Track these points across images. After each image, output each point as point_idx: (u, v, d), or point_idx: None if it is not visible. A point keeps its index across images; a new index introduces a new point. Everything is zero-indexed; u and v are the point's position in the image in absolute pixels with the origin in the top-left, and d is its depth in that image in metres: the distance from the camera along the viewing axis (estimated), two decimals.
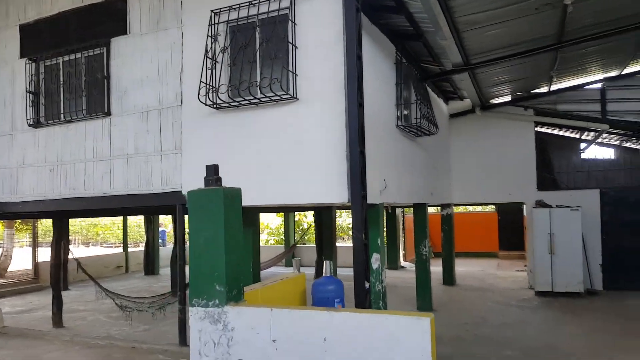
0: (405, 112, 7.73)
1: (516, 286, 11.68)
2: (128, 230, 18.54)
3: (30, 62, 7.81)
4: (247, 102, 5.94)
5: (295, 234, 18.18)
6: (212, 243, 3.48)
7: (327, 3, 5.63)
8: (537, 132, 11.77)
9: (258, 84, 5.86)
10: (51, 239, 9.51)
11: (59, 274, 9.24)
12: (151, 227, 16.75)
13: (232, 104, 6.03)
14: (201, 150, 6.40)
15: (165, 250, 18.54)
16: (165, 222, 24.75)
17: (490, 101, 11.66)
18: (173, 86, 6.65)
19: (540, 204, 10.83)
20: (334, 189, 5.50)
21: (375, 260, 6.16)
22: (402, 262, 16.53)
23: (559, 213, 10.24)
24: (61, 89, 7.58)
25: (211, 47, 6.09)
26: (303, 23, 5.75)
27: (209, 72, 6.07)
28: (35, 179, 7.80)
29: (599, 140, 12.00)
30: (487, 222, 18.53)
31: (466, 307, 9.45)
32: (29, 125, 7.79)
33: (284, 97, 5.72)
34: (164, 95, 6.72)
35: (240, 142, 6.12)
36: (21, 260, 16.28)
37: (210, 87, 6.05)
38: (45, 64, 7.76)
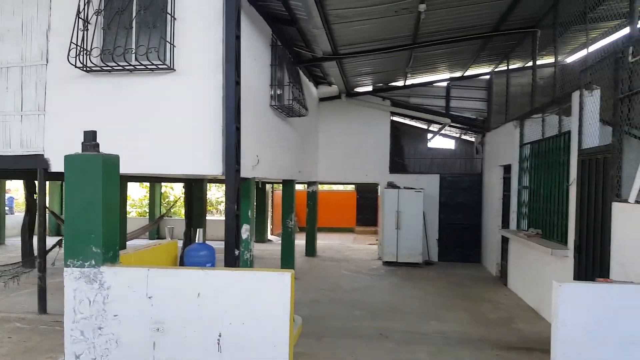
0: (278, 92, 8.23)
1: (368, 257, 13.08)
2: None
3: None
4: (120, 67, 5.89)
5: (162, 207, 17.77)
6: (90, 207, 3.61)
7: None
8: (392, 121, 13.19)
9: (134, 51, 5.85)
10: None
11: None
12: None
13: (104, 68, 5.93)
14: (68, 113, 6.18)
15: (13, 219, 16.79)
16: (14, 188, 22.11)
17: (355, 89, 12.75)
18: (38, 43, 6.27)
19: (391, 185, 12.25)
20: (209, 161, 5.82)
21: (245, 231, 6.62)
22: (270, 236, 17.27)
23: (405, 194, 11.67)
24: None
25: (84, 8, 5.87)
26: None
27: (80, 33, 5.86)
28: None
29: (442, 132, 13.94)
30: (347, 200, 20.18)
31: (324, 275, 10.43)
32: None
33: (160, 66, 5.82)
34: (27, 52, 6.30)
35: (113, 108, 6.06)
36: None
37: (82, 49, 5.85)
38: None
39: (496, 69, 11.45)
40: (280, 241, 14.60)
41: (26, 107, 6.33)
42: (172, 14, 5.80)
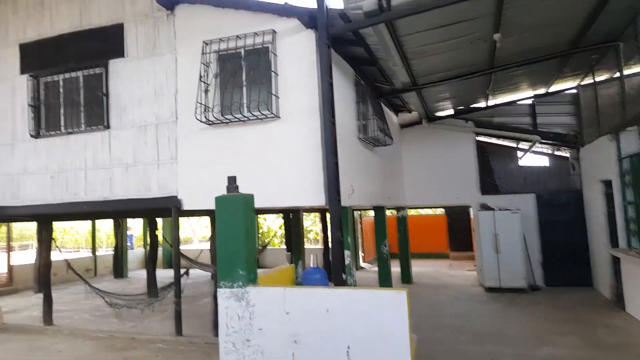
0: (363, 122, 8.97)
1: (467, 283, 12.80)
2: (85, 235, 18.83)
3: (31, 78, 8.56)
4: (236, 119, 7.03)
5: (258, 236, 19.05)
6: (235, 237, 4.55)
7: (302, 39, 6.85)
8: (478, 141, 13.30)
9: (246, 104, 6.95)
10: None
11: (48, 275, 9.84)
12: (119, 231, 17.24)
13: (223, 121, 7.09)
14: (194, 160, 7.43)
15: (132, 254, 19.02)
16: (132, 226, 25.01)
17: (435, 114, 13.15)
18: (168, 105, 7.65)
19: (485, 207, 12.19)
20: (313, 193, 6.67)
21: (347, 257, 7.23)
22: (362, 263, 17.68)
23: (501, 215, 11.42)
24: (61, 103, 8.40)
25: (204, 74, 7.12)
26: (282, 54, 6.93)
27: (202, 94, 7.10)
28: (36, 185, 8.54)
29: (533, 149, 13.76)
30: (437, 224, 19.77)
31: (424, 301, 10.44)
32: (31, 135, 8.53)
33: (268, 116, 6.85)
34: (161, 112, 7.71)
35: (230, 153, 7.19)
36: None
37: (204, 107, 7.07)
38: (46, 80, 8.56)
39: (582, 83, 11.31)
40: (372, 268, 15.02)
41: (162, 157, 7.70)
42: (275, 71, 6.84)
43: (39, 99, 8.58)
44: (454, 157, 13.12)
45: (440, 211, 20.52)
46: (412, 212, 20.86)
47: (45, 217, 9.48)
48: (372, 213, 17.65)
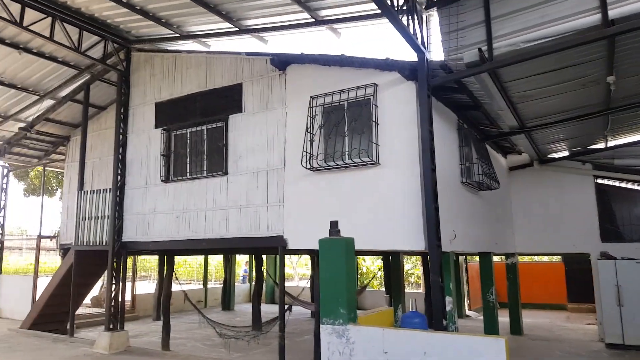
0: (467, 164, 8.91)
1: (586, 338, 11.82)
2: (197, 269, 20.22)
3: (164, 131, 9.92)
4: (338, 166, 7.48)
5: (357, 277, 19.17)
6: (337, 277, 4.89)
7: (403, 90, 7.18)
8: (597, 184, 12.33)
9: (347, 152, 7.39)
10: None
11: (168, 304, 10.94)
12: (229, 266, 18.46)
13: (326, 168, 7.59)
14: (299, 203, 7.98)
15: (239, 288, 20.17)
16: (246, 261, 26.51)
17: (548, 155, 12.51)
18: (278, 153, 8.37)
19: (605, 256, 11.24)
20: (413, 238, 6.80)
21: (448, 303, 7.16)
22: (467, 311, 16.91)
23: (624, 265, 10.55)
24: (187, 152, 9.58)
25: (310, 124, 7.74)
26: (383, 105, 7.30)
27: (308, 143, 7.70)
28: (164, 223, 9.73)
29: None
30: (554, 273, 18.40)
31: (536, 356, 9.81)
32: (161, 180, 9.82)
33: (368, 162, 7.20)
34: (271, 159, 8.46)
35: (331, 197, 7.62)
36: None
37: (309, 155, 7.65)
38: (176, 133, 9.85)
39: None
40: (478, 317, 14.25)
41: (270, 200, 8.38)
42: (376, 121, 7.23)
43: (169, 148, 9.89)
44: (570, 201, 12.33)
45: (557, 259, 19.07)
46: (525, 259, 19.62)
47: (169, 252, 10.65)
48: (478, 258, 16.96)
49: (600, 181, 12.56)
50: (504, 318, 12.51)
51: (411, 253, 13.42)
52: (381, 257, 12.90)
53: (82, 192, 11.41)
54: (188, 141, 9.65)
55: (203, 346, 10.94)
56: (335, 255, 4.96)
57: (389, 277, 12.86)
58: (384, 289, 12.96)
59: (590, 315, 15.86)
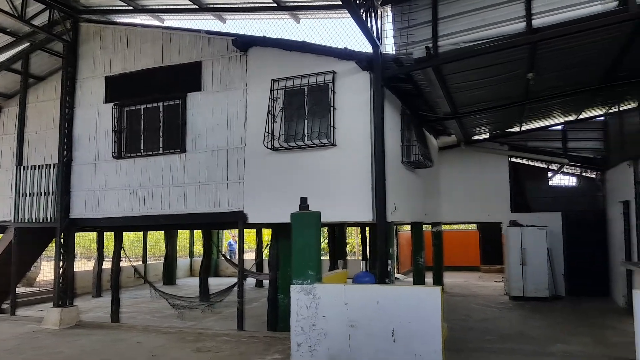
0: (407, 145, 9.97)
1: (495, 293, 13.81)
2: (129, 245, 19.83)
3: (115, 107, 9.91)
4: (298, 146, 8.16)
5: None
6: (307, 246, 5.65)
7: (359, 79, 7.95)
8: (511, 162, 14.14)
9: (307, 134, 8.09)
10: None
11: (119, 279, 11.12)
12: (171, 241, 18.56)
13: (286, 147, 8.23)
14: (260, 180, 8.57)
15: (180, 263, 20.30)
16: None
17: (473, 137, 14.04)
18: (239, 132, 8.84)
19: (514, 224, 13.09)
20: (364, 211, 7.71)
21: (389, 265, 8.28)
22: (397, 275, 18.62)
23: (528, 231, 12.43)
24: (142, 129, 9.69)
25: (272, 106, 8.31)
26: (340, 91, 8.03)
27: (270, 124, 8.28)
28: (116, 200, 9.84)
29: (562, 170, 14.47)
30: (471, 239, 20.74)
31: (454, 309, 11.45)
32: (113, 157, 9.85)
33: (326, 144, 7.95)
34: (231, 138, 8.91)
35: (291, 175, 8.29)
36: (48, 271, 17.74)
37: (271, 135, 8.24)
38: (129, 109, 9.89)
39: (610, 111, 12.04)
40: (406, 279, 15.90)
41: (231, 177, 8.87)
42: (334, 106, 7.96)
43: (122, 124, 9.91)
44: (488, 177, 14.02)
45: (473, 227, 21.28)
46: (446, 228, 21.60)
47: (122, 229, 10.75)
48: (407, 228, 18.55)
49: (513, 160, 14.37)
50: (429, 279, 14.13)
51: (356, 224, 14.52)
52: (327, 228, 13.84)
53: (22, 167, 11.05)
54: (142, 117, 9.74)
55: (153, 318, 11.21)
56: (306, 226, 5.72)
57: (334, 246, 13.91)
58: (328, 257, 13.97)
59: (498, 274, 18.02)
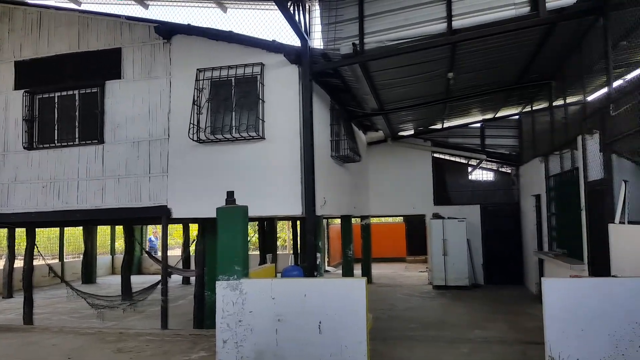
0: (336, 140, 10.10)
1: (419, 283, 14.48)
2: (44, 242, 18.65)
3: (26, 94, 9.14)
4: (225, 139, 7.97)
5: None
6: (233, 241, 5.53)
7: (287, 72, 7.90)
8: (434, 158, 14.82)
9: (235, 126, 7.93)
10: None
11: (31, 278, 10.33)
12: (89, 238, 17.56)
13: (213, 140, 8.02)
14: (185, 174, 8.29)
15: (100, 260, 19.25)
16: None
17: (399, 133, 14.53)
18: (162, 123, 8.49)
19: (436, 216, 13.72)
20: (293, 204, 7.70)
21: (318, 258, 8.37)
22: (327, 267, 18.93)
23: (449, 223, 13.07)
24: (56, 118, 9.02)
25: (198, 97, 8.05)
26: (269, 84, 7.95)
27: (195, 115, 8.02)
28: (27, 194, 9.10)
29: (481, 165, 15.36)
30: (397, 232, 21.55)
31: (381, 298, 11.87)
32: (24, 147, 9.10)
33: (254, 137, 7.85)
34: (154, 129, 8.53)
35: (219, 169, 8.10)
36: None
37: (197, 127, 7.99)
38: (41, 97, 9.16)
39: (524, 110, 12.95)
40: (336, 271, 16.20)
41: (153, 170, 8.51)
42: (262, 99, 7.86)
43: (33, 113, 9.17)
44: (413, 172, 14.62)
45: (399, 219, 22.06)
46: (374, 221, 22.23)
47: (35, 225, 10.00)
48: (338, 221, 18.86)
49: (436, 155, 15.04)
50: (357, 271, 14.52)
51: (287, 218, 14.50)
52: (257, 222, 13.70)
53: None
54: (57, 106, 9.07)
55: (71, 319, 10.59)
56: (232, 221, 5.60)
57: (264, 240, 13.81)
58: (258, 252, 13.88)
59: (423, 265, 18.89)
